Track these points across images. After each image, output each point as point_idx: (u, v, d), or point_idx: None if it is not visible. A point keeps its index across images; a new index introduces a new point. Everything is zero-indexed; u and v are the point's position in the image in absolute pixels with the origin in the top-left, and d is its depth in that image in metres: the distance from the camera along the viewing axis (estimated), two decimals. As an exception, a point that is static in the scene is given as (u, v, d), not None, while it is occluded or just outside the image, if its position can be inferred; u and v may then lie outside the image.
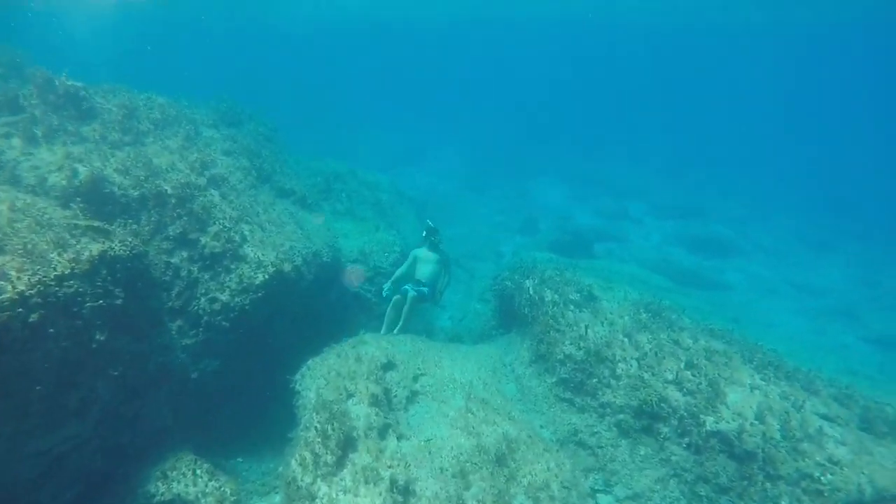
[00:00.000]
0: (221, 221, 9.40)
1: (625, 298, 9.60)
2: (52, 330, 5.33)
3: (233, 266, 9.10)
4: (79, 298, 5.64)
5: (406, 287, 10.04)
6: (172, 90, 14.46)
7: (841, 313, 16.09)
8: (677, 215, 24.55)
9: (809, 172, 36.67)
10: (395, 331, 9.81)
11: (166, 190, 9.20)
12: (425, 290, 10.05)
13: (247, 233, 9.74)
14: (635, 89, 74.46)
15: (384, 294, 10.22)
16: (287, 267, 9.58)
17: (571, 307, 8.99)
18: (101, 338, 5.78)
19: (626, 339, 8.13)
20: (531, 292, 9.54)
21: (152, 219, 8.77)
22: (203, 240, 9.05)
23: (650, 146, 39.22)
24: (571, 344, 8.26)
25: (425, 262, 10.36)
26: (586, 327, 8.39)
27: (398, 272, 10.44)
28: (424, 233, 10.44)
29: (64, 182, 7.82)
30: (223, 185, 10.81)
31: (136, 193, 8.81)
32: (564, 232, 18.86)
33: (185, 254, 8.83)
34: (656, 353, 7.73)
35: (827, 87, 65.80)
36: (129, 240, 6.70)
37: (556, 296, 9.25)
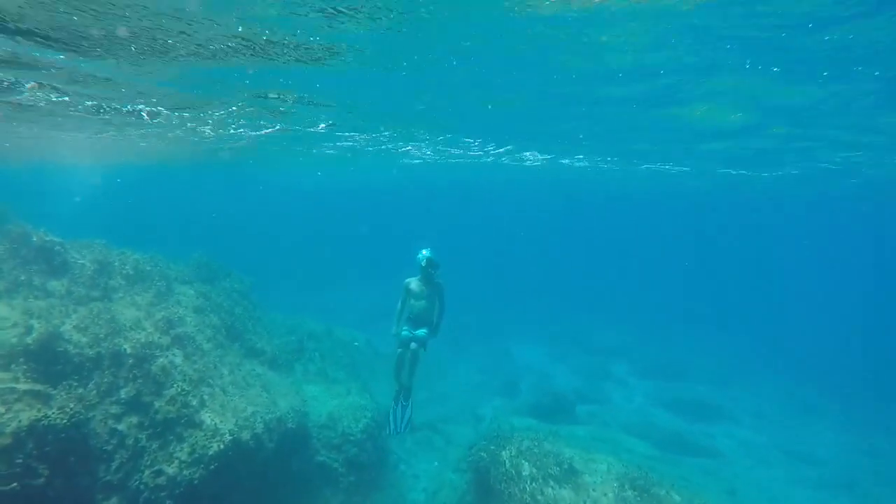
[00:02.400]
0: (180, 384, 8.90)
1: (608, 472, 8.93)
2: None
3: (186, 434, 8.43)
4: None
5: (405, 335, 9.54)
6: (158, 246, 14.68)
7: (843, 487, 15.06)
8: (660, 375, 24.08)
9: (788, 330, 37.13)
10: (404, 383, 9.78)
11: (125, 349, 8.81)
12: (423, 333, 9.54)
13: (206, 396, 9.19)
14: (614, 249, 78.02)
15: (398, 340, 9.70)
16: (246, 435, 8.92)
17: (551, 483, 8.28)
18: (6, 528, 5.03)
19: (612, 522, 7.37)
20: (507, 465, 8.84)
21: (105, 380, 8.25)
22: (157, 404, 8.48)
23: (630, 304, 39.88)
24: (552, 527, 7.45)
25: (418, 296, 9.67)
26: (568, 507, 7.65)
27: (396, 311, 9.85)
28: (423, 262, 9.50)
29: (14, 339, 7.43)
30: (188, 344, 10.45)
31: (91, 352, 8.40)
32: (545, 393, 18.21)
33: (134, 419, 8.18)
34: (646, 540, 6.96)
35: (801, 251, 69.61)
36: (71, 406, 6.19)
37: (534, 469, 8.57)
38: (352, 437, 11.76)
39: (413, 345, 9.48)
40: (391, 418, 10.02)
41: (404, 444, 15.39)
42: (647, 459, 12.45)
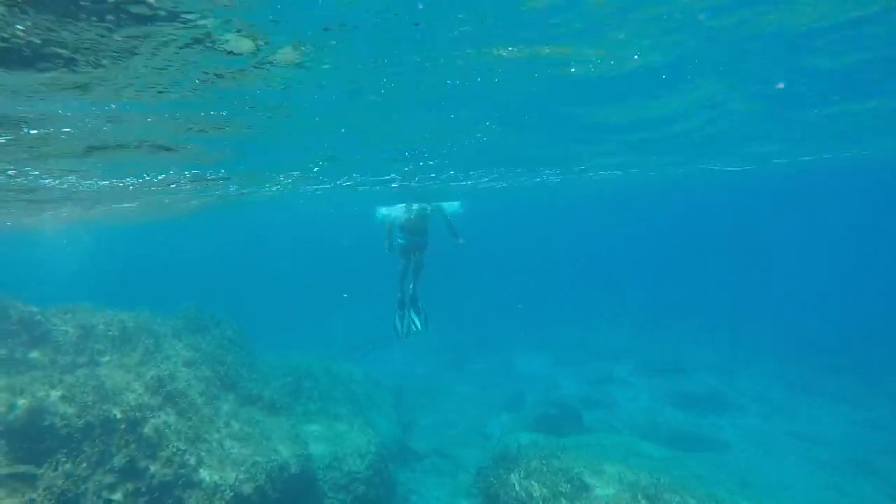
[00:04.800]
0: (175, 444, 8.71)
1: (620, 482, 8.79)
2: None
3: (185, 495, 8.23)
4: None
5: (401, 242, 10.16)
6: (151, 301, 14.45)
7: (855, 465, 14.92)
8: (663, 372, 23.95)
9: (782, 311, 37.18)
10: (410, 289, 10.19)
11: (115, 415, 8.60)
12: (418, 239, 10.17)
13: (203, 453, 9.00)
14: (607, 249, 78.13)
15: (399, 249, 10.31)
16: (248, 489, 8.72)
17: (563, 501, 8.12)
18: None
19: (627, 537, 7.22)
20: (517, 489, 8.68)
21: (96, 450, 8.02)
22: (153, 467, 8.26)
23: (627, 303, 39.78)
24: (568, 549, 7.30)
25: (409, 219, 10.32)
26: (582, 526, 7.50)
27: (385, 235, 10.39)
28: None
29: (-3, 420, 7.23)
30: (181, 400, 10.23)
31: (80, 422, 8.17)
32: (551, 404, 18.00)
33: (130, 486, 7.95)
34: (664, 552, 6.82)
35: (791, 227, 70.07)
36: (59, 483, 5.99)
37: (544, 490, 8.41)
38: (358, 475, 11.53)
39: (413, 261, 10.04)
40: (395, 324, 10.60)
41: (414, 473, 15.14)
42: (658, 461, 12.30)
